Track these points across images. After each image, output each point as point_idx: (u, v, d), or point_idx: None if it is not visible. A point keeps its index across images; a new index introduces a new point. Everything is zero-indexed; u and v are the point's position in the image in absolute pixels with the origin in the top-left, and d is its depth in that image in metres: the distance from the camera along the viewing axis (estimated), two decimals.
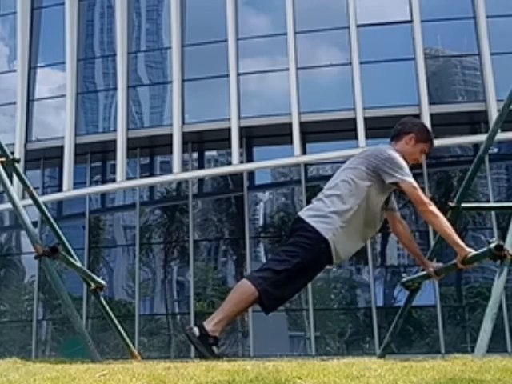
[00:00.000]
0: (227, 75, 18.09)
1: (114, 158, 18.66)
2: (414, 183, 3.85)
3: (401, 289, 14.29)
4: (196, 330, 3.68)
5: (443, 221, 3.88)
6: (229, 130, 17.78)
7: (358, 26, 17.61)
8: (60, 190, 19.25)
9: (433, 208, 3.86)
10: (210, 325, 3.68)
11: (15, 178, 5.22)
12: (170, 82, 18.82)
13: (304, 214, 3.96)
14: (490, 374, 2.39)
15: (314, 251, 3.81)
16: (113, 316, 4.97)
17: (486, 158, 13.73)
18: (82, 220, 19.11)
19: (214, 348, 3.64)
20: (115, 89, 19.14)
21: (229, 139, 17.74)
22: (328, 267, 4.07)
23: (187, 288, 18.20)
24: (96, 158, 19.97)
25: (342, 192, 3.90)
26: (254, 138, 18.68)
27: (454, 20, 17.61)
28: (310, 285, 17.08)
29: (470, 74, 18.39)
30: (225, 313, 3.73)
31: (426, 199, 3.86)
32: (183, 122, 18.53)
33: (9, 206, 5.43)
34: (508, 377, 2.35)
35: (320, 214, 3.87)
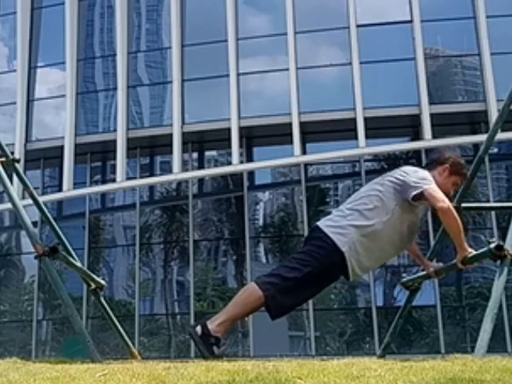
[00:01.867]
0: (227, 75, 18.09)
1: (114, 158, 18.67)
2: (438, 190, 3.72)
3: (401, 289, 14.28)
4: (199, 329, 3.67)
5: (458, 221, 3.74)
6: (229, 130, 17.78)
7: (358, 25, 17.61)
8: (60, 190, 19.25)
9: (451, 207, 3.72)
10: (213, 325, 3.68)
11: (15, 177, 5.22)
12: (170, 81, 18.82)
13: (322, 223, 3.87)
14: (490, 374, 2.39)
15: (326, 262, 3.74)
16: (113, 316, 4.97)
17: (486, 158, 13.74)
18: (81, 220, 19.11)
19: (215, 348, 3.64)
20: (115, 89, 19.14)
21: (229, 139, 17.74)
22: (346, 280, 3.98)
23: (187, 288, 18.20)
24: (96, 157, 19.97)
25: (366, 207, 3.78)
26: (254, 138, 18.68)
27: (453, 20, 17.61)
28: None
29: (470, 74, 18.39)
30: (229, 314, 3.73)
31: (445, 199, 3.72)
32: (183, 122, 18.53)
33: (9, 205, 5.43)
34: (508, 377, 2.34)
35: (338, 225, 3.78)
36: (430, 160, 4.17)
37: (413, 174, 3.79)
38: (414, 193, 3.70)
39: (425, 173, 3.85)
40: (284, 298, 3.68)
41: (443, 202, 3.68)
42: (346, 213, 3.82)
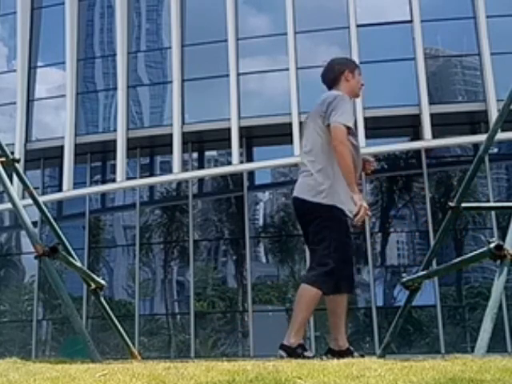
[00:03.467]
0: (227, 75, 18.09)
1: (114, 158, 18.66)
2: (348, 124, 4.00)
3: (401, 289, 14.29)
4: (283, 354, 3.79)
5: (348, 163, 3.93)
6: (229, 130, 17.78)
7: (358, 25, 17.61)
8: (60, 190, 19.25)
9: (343, 149, 3.93)
10: (289, 340, 3.84)
11: (15, 177, 5.22)
12: (170, 81, 18.82)
13: (306, 195, 4.04)
14: (490, 374, 2.39)
15: (338, 224, 3.95)
16: (113, 316, 4.97)
17: (486, 158, 13.74)
18: (82, 220, 19.11)
19: (306, 353, 3.80)
20: (115, 89, 19.14)
21: (229, 139, 17.74)
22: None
23: (187, 288, 18.20)
24: (96, 157, 19.97)
25: (320, 158, 4.02)
26: (253, 137, 18.68)
27: (453, 20, 17.61)
28: None
29: (470, 74, 18.38)
30: (300, 322, 3.95)
31: (344, 140, 3.93)
32: (183, 122, 18.53)
33: (9, 205, 5.43)
34: (508, 377, 2.34)
35: (320, 190, 3.97)
36: (330, 79, 4.33)
37: (333, 102, 4.05)
38: (326, 123, 4.02)
39: (345, 102, 4.07)
40: (334, 277, 3.90)
41: (338, 141, 3.92)
42: (315, 176, 4.04)
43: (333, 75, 4.28)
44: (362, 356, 3.84)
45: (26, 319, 19.42)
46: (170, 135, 18.24)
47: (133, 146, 18.85)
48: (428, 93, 17.04)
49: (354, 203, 3.89)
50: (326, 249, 3.90)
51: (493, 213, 15.49)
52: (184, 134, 18.37)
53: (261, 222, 19.21)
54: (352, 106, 4.23)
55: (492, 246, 3.53)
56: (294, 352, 3.76)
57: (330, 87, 4.29)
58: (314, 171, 4.03)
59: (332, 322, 4.10)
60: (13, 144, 18.63)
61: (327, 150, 4.02)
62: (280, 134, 17.76)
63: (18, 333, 19.43)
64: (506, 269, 3.49)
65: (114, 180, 19.01)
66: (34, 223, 15.38)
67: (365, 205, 3.90)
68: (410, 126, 17.95)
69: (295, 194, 4.13)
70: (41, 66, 20.74)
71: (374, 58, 17.53)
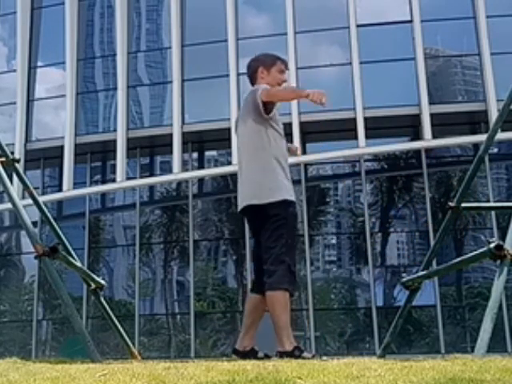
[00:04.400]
0: (227, 75, 18.09)
1: (114, 158, 18.66)
2: (267, 89, 4.09)
3: (401, 289, 14.29)
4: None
5: (283, 93, 4.26)
6: (229, 130, 17.75)
7: (358, 25, 17.61)
8: (60, 190, 19.25)
9: (273, 93, 4.13)
10: (283, 347, 3.90)
11: (15, 177, 5.22)
12: (170, 81, 18.82)
13: (256, 199, 4.02)
14: (490, 374, 2.39)
15: (292, 220, 4.01)
16: (113, 316, 4.97)
17: (486, 158, 13.75)
18: (82, 220, 19.11)
19: (305, 354, 3.86)
20: (115, 89, 19.14)
21: (229, 139, 17.70)
22: None
23: (187, 288, 18.20)
24: (96, 157, 19.97)
25: (259, 156, 4.06)
26: None
27: (453, 20, 17.61)
28: (309, 285, 17.10)
29: (470, 74, 18.38)
30: (283, 327, 3.95)
31: (268, 92, 4.09)
32: (183, 122, 18.53)
33: (9, 205, 5.43)
34: (508, 377, 2.34)
35: (269, 188, 3.99)
36: (249, 77, 4.38)
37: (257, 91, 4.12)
38: (259, 100, 4.08)
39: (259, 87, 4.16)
40: (293, 274, 3.95)
41: (264, 91, 4.05)
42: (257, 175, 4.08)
43: (250, 72, 4.34)
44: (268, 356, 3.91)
45: (25, 319, 19.41)
46: (170, 135, 18.24)
47: (133, 146, 18.85)
48: (428, 93, 17.04)
49: (306, 96, 4.07)
50: (283, 247, 3.91)
51: (493, 213, 15.49)
52: (184, 134, 18.37)
53: None
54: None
55: (492, 245, 3.53)
56: (292, 356, 3.77)
57: (252, 84, 4.34)
58: (256, 173, 4.05)
59: (252, 321, 4.15)
60: (13, 144, 18.63)
61: (263, 146, 4.07)
62: None
63: (18, 333, 19.43)
64: (505, 269, 3.49)
65: (114, 180, 19.01)
66: (34, 223, 15.38)
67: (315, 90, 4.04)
68: (409, 126, 17.95)
69: (243, 203, 4.07)
70: (41, 66, 20.74)
71: (374, 58, 17.54)
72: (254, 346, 4.11)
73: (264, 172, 4.01)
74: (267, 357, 3.96)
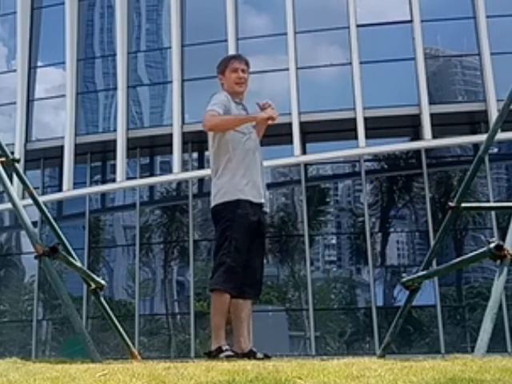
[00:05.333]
0: None
1: (114, 158, 18.66)
2: (213, 107, 4.15)
3: (401, 289, 14.29)
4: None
5: (221, 120, 4.19)
6: None
7: (358, 25, 17.60)
8: (60, 190, 19.24)
9: (211, 121, 4.15)
10: (214, 345, 3.99)
11: (15, 177, 5.22)
12: (170, 81, 18.82)
13: (213, 202, 4.22)
14: (490, 374, 2.39)
15: (236, 220, 4.04)
16: (113, 316, 4.97)
17: (486, 158, 13.74)
18: (82, 220, 19.10)
19: (222, 354, 3.91)
20: (115, 89, 19.14)
21: None
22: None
23: (187, 288, 18.20)
24: (96, 158, 19.96)
25: (215, 161, 4.23)
26: None
27: (453, 20, 17.61)
28: (309, 285, 17.09)
29: (470, 74, 18.38)
30: (213, 327, 4.05)
31: (208, 119, 4.15)
32: (183, 122, 18.53)
33: (9, 205, 5.43)
34: (508, 377, 2.34)
35: (220, 190, 4.15)
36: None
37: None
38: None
39: (215, 97, 4.31)
40: (238, 277, 4.00)
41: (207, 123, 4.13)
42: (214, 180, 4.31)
43: (219, 78, 4.55)
44: (268, 357, 4.00)
45: (25, 319, 19.41)
46: (170, 135, 18.24)
47: (133, 146, 18.84)
48: (428, 93, 17.04)
49: (257, 121, 4.26)
50: (225, 248, 4.01)
51: (493, 213, 15.48)
52: (184, 134, 18.36)
53: None
54: (225, 98, 4.34)
55: (492, 246, 3.53)
56: (210, 355, 3.88)
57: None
58: (214, 177, 4.23)
59: (234, 325, 4.16)
60: (13, 144, 18.63)
61: (217, 151, 4.20)
62: (280, 134, 17.73)
63: (18, 333, 19.43)
64: (505, 269, 3.48)
65: (114, 180, 19.01)
66: (34, 223, 15.38)
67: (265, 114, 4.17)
68: (410, 126, 17.94)
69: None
70: (41, 66, 20.74)
71: (374, 58, 17.54)
72: (253, 347, 4.11)
73: (215, 174, 4.20)
74: (267, 357, 3.97)
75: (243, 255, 4.03)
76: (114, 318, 4.96)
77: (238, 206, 4.05)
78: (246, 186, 4.11)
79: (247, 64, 4.49)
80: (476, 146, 16.18)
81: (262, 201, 4.23)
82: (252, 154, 4.26)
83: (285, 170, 19.03)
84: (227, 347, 3.96)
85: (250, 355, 3.97)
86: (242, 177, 4.11)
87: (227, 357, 3.78)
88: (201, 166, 19.48)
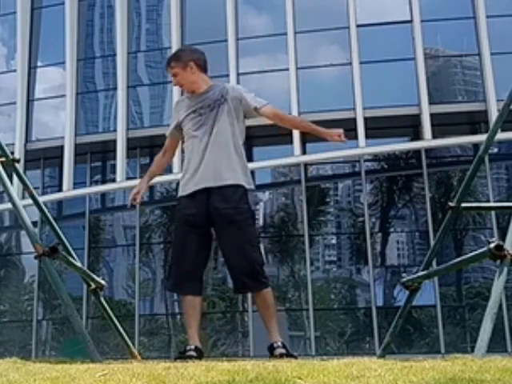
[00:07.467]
0: (227, 75, 18.07)
1: (114, 158, 18.66)
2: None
3: (401, 289, 14.29)
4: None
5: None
6: None
7: (358, 25, 17.61)
8: (60, 190, 19.24)
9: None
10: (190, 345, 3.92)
11: (15, 177, 5.22)
12: (170, 81, 18.77)
13: None
14: (490, 374, 2.39)
15: (177, 218, 4.17)
16: (113, 316, 4.97)
17: (486, 158, 13.73)
18: (82, 220, 19.10)
19: (182, 355, 3.84)
20: (115, 89, 19.14)
21: None
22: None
23: None
24: (96, 157, 19.97)
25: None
26: (253, 137, 18.65)
27: (453, 20, 17.61)
28: (309, 285, 17.09)
29: (470, 74, 18.39)
30: (190, 328, 4.00)
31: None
32: None
33: (9, 205, 5.43)
34: (508, 377, 2.34)
35: None
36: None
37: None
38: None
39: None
40: (182, 277, 4.00)
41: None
42: None
43: None
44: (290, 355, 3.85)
45: (25, 319, 19.41)
46: None
47: (133, 146, 18.85)
48: (428, 93, 17.04)
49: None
50: (172, 248, 4.11)
51: (493, 213, 15.48)
52: None
53: (261, 222, 19.19)
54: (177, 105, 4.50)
55: (492, 246, 3.52)
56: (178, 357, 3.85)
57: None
58: None
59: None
60: (13, 144, 18.63)
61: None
62: (280, 134, 17.73)
63: (18, 333, 19.43)
64: (505, 269, 3.48)
65: (114, 180, 19.01)
66: (34, 223, 15.38)
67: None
68: (410, 126, 17.95)
69: None
70: (41, 66, 20.74)
71: (374, 58, 17.54)
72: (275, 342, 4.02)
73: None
74: (288, 356, 3.81)
75: (184, 252, 3.98)
76: (114, 318, 4.96)
77: (179, 203, 4.10)
78: (184, 180, 4.12)
79: (170, 64, 4.38)
80: (476, 145, 16.18)
81: (213, 184, 4.00)
82: (198, 140, 4.12)
83: (285, 170, 19.03)
84: (189, 347, 3.89)
85: (271, 349, 3.88)
86: (184, 172, 4.15)
87: (187, 357, 3.70)
88: None
